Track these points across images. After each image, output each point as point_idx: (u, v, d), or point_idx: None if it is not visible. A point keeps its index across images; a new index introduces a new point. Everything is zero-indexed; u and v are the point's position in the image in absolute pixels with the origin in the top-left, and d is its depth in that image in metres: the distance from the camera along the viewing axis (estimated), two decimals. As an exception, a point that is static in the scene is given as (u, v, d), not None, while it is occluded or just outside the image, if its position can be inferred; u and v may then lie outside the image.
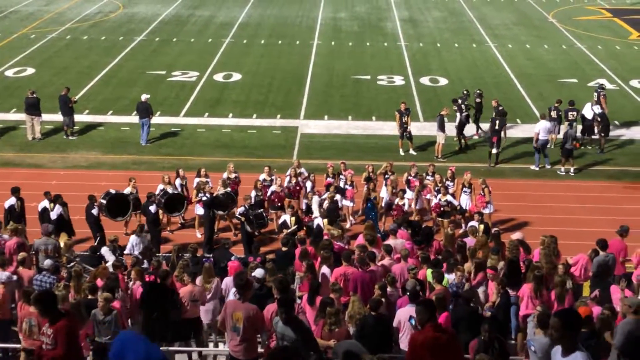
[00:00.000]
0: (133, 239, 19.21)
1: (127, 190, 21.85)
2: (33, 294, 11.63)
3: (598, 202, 25.12)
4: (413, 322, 11.22)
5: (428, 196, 23.05)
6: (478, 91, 30.65)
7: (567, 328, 6.24)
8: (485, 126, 29.69)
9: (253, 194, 21.95)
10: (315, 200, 22.07)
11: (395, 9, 53.23)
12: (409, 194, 22.96)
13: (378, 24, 48.97)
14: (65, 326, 10.30)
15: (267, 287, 14.35)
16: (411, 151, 28.54)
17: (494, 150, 27.60)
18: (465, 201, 22.73)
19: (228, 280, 15.14)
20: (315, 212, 21.68)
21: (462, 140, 29.18)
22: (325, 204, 21.51)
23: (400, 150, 28.55)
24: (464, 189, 22.86)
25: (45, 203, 20.63)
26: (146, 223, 21.68)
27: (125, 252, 18.81)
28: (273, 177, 23.05)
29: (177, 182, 22.74)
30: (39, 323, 13.08)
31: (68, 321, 10.48)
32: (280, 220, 21.14)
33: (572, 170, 27.24)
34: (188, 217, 23.36)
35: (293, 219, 20.77)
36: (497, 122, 27.59)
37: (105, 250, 18.13)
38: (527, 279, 15.15)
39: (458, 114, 28.88)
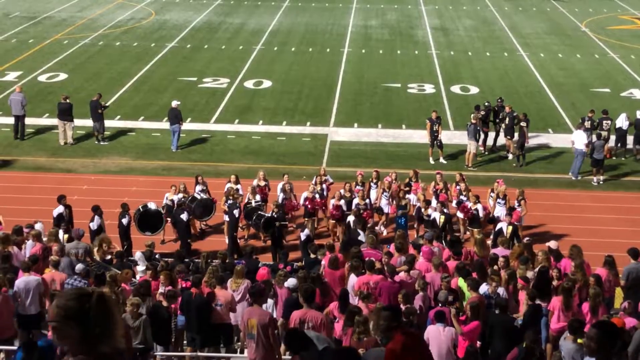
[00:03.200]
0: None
1: (174, 197, 21.92)
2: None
3: (630, 214, 24.83)
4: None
5: (454, 203, 22.88)
6: (499, 100, 30.39)
7: (605, 340, 6.13)
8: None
9: (281, 196, 22.08)
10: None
11: (427, 17, 53.11)
12: (434, 203, 22.76)
13: (409, 32, 48.86)
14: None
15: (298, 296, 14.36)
16: (441, 160, 28.40)
17: (511, 155, 28.72)
18: (499, 213, 22.24)
19: None
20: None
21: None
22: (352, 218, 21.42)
23: (431, 158, 28.41)
24: (498, 200, 22.60)
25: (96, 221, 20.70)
26: (178, 231, 21.75)
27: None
28: (291, 185, 23.16)
29: (198, 188, 22.77)
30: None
31: (125, 331, 10.60)
32: (303, 237, 20.72)
33: (601, 180, 26.96)
34: (213, 223, 23.43)
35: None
36: (526, 126, 27.98)
37: (139, 256, 18.17)
38: (558, 291, 15.03)
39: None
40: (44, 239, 18.41)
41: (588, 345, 6.21)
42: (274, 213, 21.40)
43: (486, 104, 30.28)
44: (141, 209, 21.38)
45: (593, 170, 27.11)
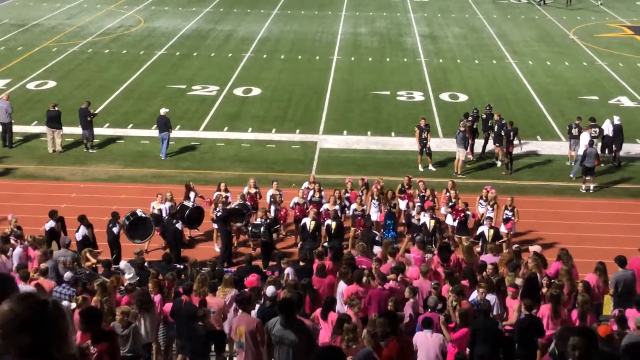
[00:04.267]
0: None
1: (162, 206, 21.84)
2: (80, 310, 11.75)
3: (619, 220, 24.91)
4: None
5: (442, 210, 22.92)
6: (487, 108, 30.48)
7: (591, 347, 6.16)
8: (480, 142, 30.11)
9: (273, 208, 22.08)
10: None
11: (416, 24, 53.25)
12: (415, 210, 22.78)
13: (398, 40, 48.98)
14: (109, 346, 10.44)
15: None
16: (430, 167, 28.45)
17: (500, 163, 28.83)
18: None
19: None
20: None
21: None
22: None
23: (420, 166, 28.46)
24: (488, 207, 22.65)
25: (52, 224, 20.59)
26: (169, 240, 21.55)
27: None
28: (281, 192, 23.21)
29: (192, 195, 22.78)
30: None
31: (112, 340, 10.61)
32: (301, 223, 21.55)
33: (592, 187, 27.03)
34: (202, 230, 23.42)
35: (313, 223, 21.01)
36: (512, 133, 28.07)
37: (124, 264, 18.11)
38: (546, 298, 15.06)
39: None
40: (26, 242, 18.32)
41: (574, 355, 6.20)
42: (262, 219, 21.37)
43: (474, 111, 30.39)
44: (130, 217, 21.30)
45: (583, 177, 27.16)
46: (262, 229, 21.20)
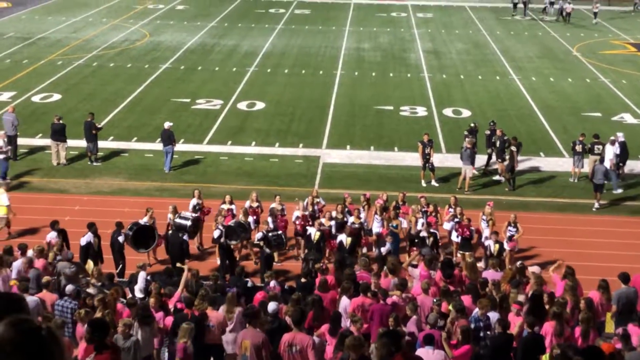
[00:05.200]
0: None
1: (144, 221, 21.79)
2: (89, 319, 11.80)
3: (623, 238, 24.88)
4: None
5: (445, 226, 22.90)
6: (491, 124, 30.47)
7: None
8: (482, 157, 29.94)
9: (270, 219, 22.07)
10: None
11: (419, 40, 53.39)
12: (419, 225, 22.76)
13: (401, 55, 49.10)
14: (114, 359, 10.51)
15: (279, 320, 14.25)
16: (433, 182, 28.47)
17: (503, 179, 28.79)
18: (487, 234, 22.42)
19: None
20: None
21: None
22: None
23: (422, 181, 28.49)
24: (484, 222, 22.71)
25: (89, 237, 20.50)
26: (174, 253, 21.50)
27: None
28: (283, 206, 23.21)
29: (193, 201, 22.87)
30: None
31: (115, 353, 10.67)
32: (307, 233, 21.60)
33: (597, 205, 26.93)
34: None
35: (318, 233, 21.00)
36: (516, 150, 28.02)
37: (141, 276, 18.10)
38: (549, 315, 15.04)
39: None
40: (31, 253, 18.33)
41: None
42: (264, 232, 21.37)
43: (472, 125, 30.46)
44: (134, 227, 21.29)
45: (594, 193, 27.04)
46: (283, 237, 21.38)
